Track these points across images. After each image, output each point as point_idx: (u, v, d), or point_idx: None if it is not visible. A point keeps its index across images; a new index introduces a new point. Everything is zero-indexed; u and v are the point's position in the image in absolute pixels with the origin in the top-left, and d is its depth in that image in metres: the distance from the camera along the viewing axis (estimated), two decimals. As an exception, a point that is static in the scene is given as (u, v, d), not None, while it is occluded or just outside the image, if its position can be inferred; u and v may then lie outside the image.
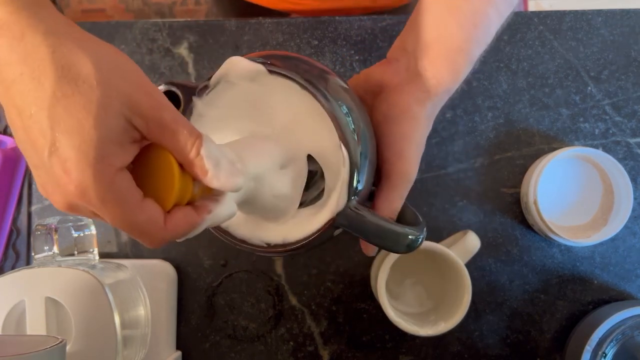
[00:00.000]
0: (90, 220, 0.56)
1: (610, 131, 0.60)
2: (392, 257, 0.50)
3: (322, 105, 0.36)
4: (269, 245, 0.39)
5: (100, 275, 0.48)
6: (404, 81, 0.41)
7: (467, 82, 0.61)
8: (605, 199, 0.58)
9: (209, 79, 0.39)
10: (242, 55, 0.38)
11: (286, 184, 0.39)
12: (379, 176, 0.41)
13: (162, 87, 0.38)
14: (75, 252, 0.54)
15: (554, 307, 0.59)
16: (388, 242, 0.37)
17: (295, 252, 0.39)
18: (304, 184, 0.40)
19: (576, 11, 0.61)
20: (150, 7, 1.56)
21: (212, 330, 0.60)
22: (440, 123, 0.60)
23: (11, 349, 0.38)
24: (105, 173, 0.28)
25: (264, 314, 0.60)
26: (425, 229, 0.38)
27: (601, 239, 0.55)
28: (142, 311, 0.53)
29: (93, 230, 0.56)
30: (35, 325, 0.46)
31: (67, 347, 0.45)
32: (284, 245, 0.39)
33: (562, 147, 0.58)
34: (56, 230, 0.52)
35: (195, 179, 0.31)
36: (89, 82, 0.28)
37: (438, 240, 0.54)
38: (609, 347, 0.52)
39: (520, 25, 0.61)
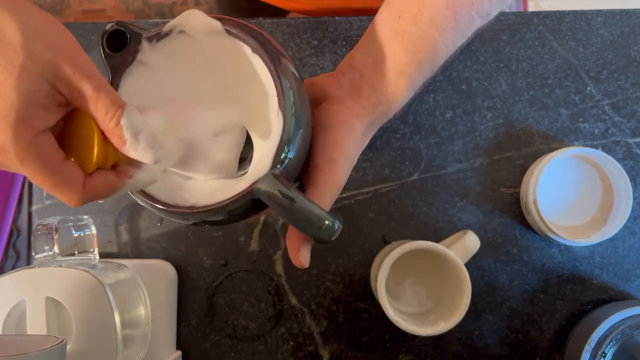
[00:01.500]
0: (90, 220, 0.56)
1: (610, 131, 0.60)
2: (392, 257, 0.50)
3: (269, 69, 0.36)
4: (176, 206, 0.37)
5: (101, 275, 0.48)
6: (346, 94, 0.41)
7: (467, 82, 0.61)
8: (605, 199, 0.58)
9: (163, 25, 0.38)
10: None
11: (220, 152, 0.38)
12: (306, 181, 0.40)
13: (109, 26, 0.38)
14: (76, 252, 0.54)
15: (553, 307, 0.59)
16: (305, 224, 0.35)
17: (204, 219, 0.37)
18: (239, 153, 0.39)
19: (576, 11, 0.61)
20: (151, 7, 1.56)
21: (212, 330, 0.60)
22: (440, 123, 0.61)
23: (11, 349, 0.38)
24: (24, 134, 0.28)
25: (264, 313, 0.60)
26: (341, 221, 0.37)
27: (601, 239, 0.56)
28: (142, 311, 0.53)
29: (93, 230, 0.56)
30: (36, 325, 0.46)
31: (68, 347, 0.45)
32: (191, 208, 0.37)
33: (561, 147, 0.58)
34: (56, 230, 0.52)
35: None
36: (12, 45, 0.28)
37: (438, 240, 0.54)
38: (608, 346, 0.52)
39: (520, 25, 0.61)
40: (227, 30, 0.37)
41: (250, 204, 0.37)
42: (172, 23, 0.39)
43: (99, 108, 0.31)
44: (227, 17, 0.39)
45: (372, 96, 0.41)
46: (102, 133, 0.31)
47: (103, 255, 0.60)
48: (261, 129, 0.38)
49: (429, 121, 0.60)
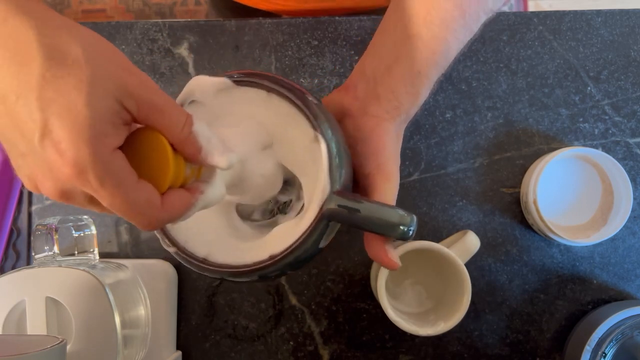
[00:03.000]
0: (90, 220, 0.56)
1: (610, 131, 0.60)
2: (392, 257, 0.50)
3: (293, 102, 0.36)
4: (258, 261, 0.36)
5: (101, 275, 0.48)
6: (366, 104, 0.42)
7: (467, 82, 0.61)
8: (605, 199, 0.58)
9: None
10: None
11: (271, 163, 0.38)
12: (364, 193, 0.41)
13: None
14: (76, 252, 0.54)
15: (553, 306, 0.59)
16: (385, 227, 0.35)
17: (283, 267, 0.36)
18: (282, 176, 0.39)
19: (576, 11, 0.61)
20: (151, 7, 1.57)
21: (212, 330, 0.60)
22: (440, 123, 0.61)
23: (11, 349, 0.38)
24: (102, 152, 0.27)
25: (264, 313, 0.60)
26: (415, 217, 0.37)
27: (601, 239, 0.56)
28: (142, 311, 0.53)
29: (93, 230, 0.56)
30: (36, 325, 0.46)
31: (67, 347, 0.45)
32: (271, 258, 0.36)
33: (561, 147, 0.58)
34: (56, 230, 0.52)
35: (187, 160, 0.31)
36: (78, 62, 0.27)
37: (438, 240, 0.54)
38: (608, 347, 0.52)
39: (520, 25, 0.61)
40: (236, 82, 0.37)
41: (323, 231, 0.36)
42: (180, 98, 0.38)
43: (170, 118, 0.30)
44: (229, 72, 0.38)
45: (392, 99, 0.41)
46: (172, 148, 0.30)
47: (103, 255, 0.60)
48: (304, 161, 0.38)
49: (429, 121, 0.60)
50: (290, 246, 0.36)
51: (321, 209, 0.35)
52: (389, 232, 0.36)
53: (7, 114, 0.27)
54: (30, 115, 0.26)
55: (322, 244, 0.38)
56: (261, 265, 0.36)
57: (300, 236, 0.36)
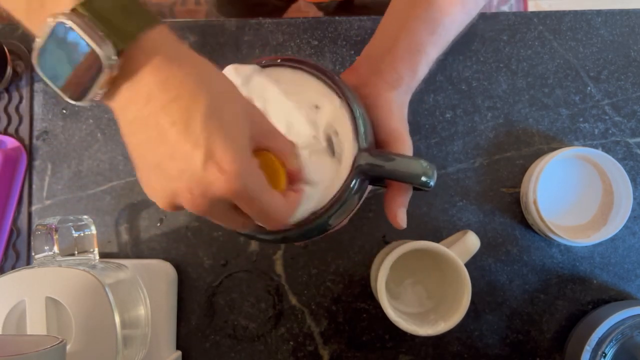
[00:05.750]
0: (90, 220, 0.56)
1: (610, 131, 0.60)
2: (392, 257, 0.50)
3: (316, 76, 0.40)
4: (308, 216, 0.39)
5: (101, 275, 0.48)
6: (367, 78, 0.45)
7: (467, 82, 0.61)
8: (605, 199, 0.58)
9: None
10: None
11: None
12: None
13: None
14: (76, 252, 0.54)
15: (553, 307, 0.59)
16: (411, 175, 0.39)
17: (322, 223, 0.40)
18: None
19: (576, 11, 0.61)
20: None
21: (212, 330, 0.60)
22: (439, 123, 0.61)
23: (11, 349, 0.38)
24: (254, 168, 0.33)
25: (264, 313, 0.60)
26: (435, 170, 0.40)
27: (601, 239, 0.56)
28: (142, 311, 0.53)
29: (93, 230, 0.56)
30: (36, 325, 0.46)
31: (67, 347, 0.45)
32: (314, 214, 0.39)
33: (561, 147, 0.58)
34: (56, 230, 0.52)
35: (291, 176, 0.37)
36: (232, 95, 0.34)
37: (438, 240, 0.54)
38: (608, 347, 0.52)
39: (520, 25, 0.61)
40: (264, 66, 0.41)
41: (357, 187, 0.40)
42: None
43: (283, 144, 0.37)
44: (256, 59, 0.42)
45: (393, 72, 0.44)
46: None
47: (103, 255, 0.60)
48: (333, 123, 0.41)
49: (429, 121, 0.60)
50: (330, 201, 0.39)
51: (354, 164, 0.39)
52: (416, 181, 0.39)
53: (164, 144, 0.31)
54: (195, 143, 0.31)
55: (357, 202, 0.42)
56: (305, 221, 0.39)
57: (339, 190, 0.39)
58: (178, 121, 0.31)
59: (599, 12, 0.61)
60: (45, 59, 0.32)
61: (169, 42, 0.33)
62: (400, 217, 0.43)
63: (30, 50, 0.62)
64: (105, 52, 0.30)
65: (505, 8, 1.54)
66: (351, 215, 0.43)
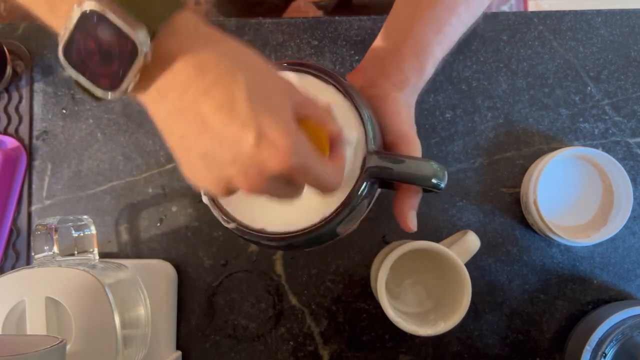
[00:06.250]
0: (90, 220, 0.56)
1: (610, 131, 0.60)
2: (392, 257, 0.50)
3: (321, 79, 0.40)
4: (310, 226, 0.39)
5: (101, 275, 0.48)
6: (374, 80, 0.44)
7: (467, 82, 0.61)
8: (605, 199, 0.58)
9: None
10: None
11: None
12: None
13: None
14: (75, 252, 0.54)
15: (553, 307, 0.59)
16: (421, 177, 0.39)
17: (333, 228, 0.39)
18: None
19: (576, 11, 0.61)
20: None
21: (212, 330, 0.60)
22: (439, 123, 0.61)
23: (11, 349, 0.38)
24: (304, 139, 0.33)
25: (264, 313, 0.60)
26: (446, 171, 0.40)
27: (601, 239, 0.56)
28: (142, 311, 0.53)
29: (93, 230, 0.56)
30: (36, 325, 0.46)
31: (67, 347, 0.45)
32: (323, 219, 0.39)
33: (561, 147, 0.58)
34: (56, 230, 0.52)
35: (332, 138, 0.37)
36: (268, 71, 0.33)
37: (438, 240, 0.54)
38: (608, 347, 0.52)
39: (520, 25, 0.61)
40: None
41: (366, 190, 0.39)
42: None
43: (327, 120, 0.36)
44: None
45: (400, 73, 0.44)
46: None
47: (103, 255, 0.60)
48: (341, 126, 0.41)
49: (429, 121, 0.60)
50: (339, 206, 0.38)
51: (363, 167, 0.39)
52: (427, 183, 0.39)
53: (209, 131, 0.31)
54: (243, 124, 0.30)
55: (367, 207, 0.41)
56: (314, 227, 0.39)
57: (348, 195, 0.38)
58: (222, 105, 0.30)
59: (599, 12, 0.61)
60: (73, 51, 0.30)
61: (197, 25, 0.31)
62: (411, 220, 0.43)
63: (30, 50, 0.62)
64: (140, 36, 0.29)
65: (505, 8, 1.54)
66: (360, 220, 0.42)
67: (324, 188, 0.35)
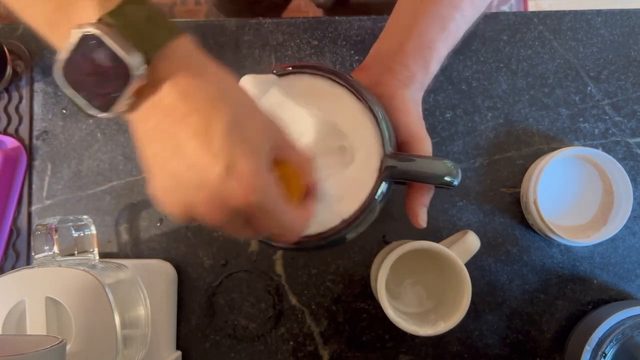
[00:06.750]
0: (90, 220, 0.56)
1: (610, 131, 0.60)
2: (392, 257, 0.50)
3: (335, 80, 0.40)
4: (332, 228, 0.39)
5: (101, 275, 0.48)
6: (379, 77, 0.44)
7: (467, 82, 0.61)
8: (605, 199, 0.58)
9: None
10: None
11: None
12: None
13: None
14: (76, 252, 0.54)
15: (553, 307, 0.59)
16: (435, 175, 0.39)
17: (354, 228, 0.40)
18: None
19: (576, 11, 0.61)
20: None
21: (212, 330, 0.60)
22: (439, 123, 0.61)
23: (11, 349, 0.38)
24: (272, 181, 0.33)
25: (264, 313, 0.60)
26: (460, 170, 0.41)
27: (601, 239, 0.56)
28: (142, 311, 0.53)
29: (93, 230, 0.56)
30: (36, 325, 0.46)
31: (67, 347, 0.45)
32: (343, 221, 0.39)
33: (561, 147, 0.58)
34: (56, 230, 0.52)
35: (308, 187, 0.37)
36: (252, 109, 0.33)
37: (438, 240, 0.54)
38: (608, 347, 0.52)
39: (520, 25, 0.61)
40: (279, 75, 0.41)
41: (384, 190, 0.40)
42: None
43: (305, 169, 0.37)
44: (269, 68, 0.42)
45: (405, 70, 0.44)
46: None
47: (103, 255, 0.60)
48: (355, 132, 0.41)
49: (429, 121, 0.60)
50: (359, 208, 0.39)
51: (381, 169, 0.39)
52: (438, 182, 0.40)
53: (182, 155, 0.31)
54: (214, 156, 0.31)
55: (381, 205, 0.42)
56: (335, 230, 0.39)
57: (368, 197, 0.39)
58: (198, 133, 0.31)
59: (599, 12, 0.61)
60: (71, 71, 0.31)
61: (192, 53, 0.33)
62: (421, 217, 0.44)
63: (30, 50, 0.62)
64: (135, 62, 0.30)
65: (505, 8, 1.54)
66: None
67: (280, 235, 0.35)
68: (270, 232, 0.35)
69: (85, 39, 0.30)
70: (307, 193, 0.37)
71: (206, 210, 0.32)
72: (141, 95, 0.31)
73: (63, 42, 0.30)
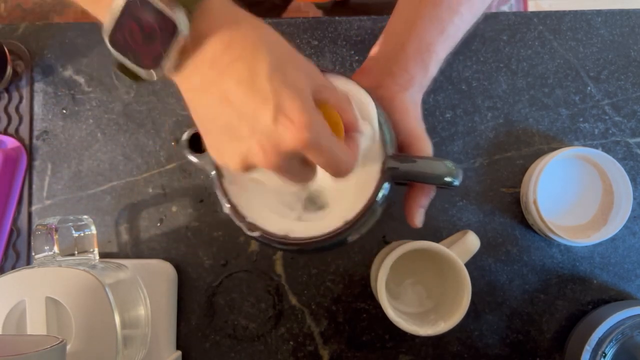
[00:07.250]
0: (90, 220, 0.56)
1: (610, 131, 0.60)
2: (392, 257, 0.50)
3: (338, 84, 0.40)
4: (335, 230, 0.40)
5: (101, 275, 0.48)
6: (379, 80, 0.45)
7: (467, 82, 0.61)
8: (605, 199, 0.58)
9: None
10: None
11: None
12: None
13: (188, 132, 0.41)
14: (76, 252, 0.54)
15: (553, 306, 0.59)
16: (436, 176, 0.40)
17: (357, 229, 0.40)
18: None
19: (576, 11, 0.61)
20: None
21: (212, 330, 0.60)
22: (439, 123, 0.61)
23: (11, 349, 0.38)
24: (321, 119, 0.33)
25: (264, 313, 0.60)
26: (461, 170, 0.41)
27: (601, 239, 0.56)
28: (142, 311, 0.53)
29: (93, 230, 0.56)
30: (36, 325, 0.46)
31: (67, 347, 0.45)
32: (346, 223, 0.39)
33: (561, 147, 0.58)
34: (56, 230, 0.52)
35: (347, 126, 0.37)
36: (291, 52, 0.34)
37: (438, 240, 0.54)
38: (608, 347, 0.52)
39: (520, 25, 0.61)
40: None
41: (386, 191, 0.40)
42: None
43: (339, 98, 0.36)
44: None
45: (405, 73, 0.45)
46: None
47: (103, 255, 0.60)
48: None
49: (429, 121, 0.60)
50: (362, 209, 0.39)
51: (382, 170, 0.39)
52: (439, 182, 0.40)
53: (231, 104, 0.32)
54: (263, 99, 0.31)
55: (383, 206, 0.42)
56: (339, 230, 0.39)
57: (370, 198, 0.39)
58: (242, 79, 0.32)
59: (599, 12, 0.61)
60: (118, 35, 0.32)
61: (227, 5, 0.34)
62: (418, 218, 0.44)
63: (30, 50, 0.62)
64: (179, 17, 0.31)
65: (505, 8, 1.54)
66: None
67: (336, 170, 0.35)
68: (326, 167, 0.35)
69: (130, 2, 0.31)
70: (348, 131, 0.37)
71: (263, 156, 0.33)
72: (185, 52, 0.32)
73: (108, 10, 0.32)
